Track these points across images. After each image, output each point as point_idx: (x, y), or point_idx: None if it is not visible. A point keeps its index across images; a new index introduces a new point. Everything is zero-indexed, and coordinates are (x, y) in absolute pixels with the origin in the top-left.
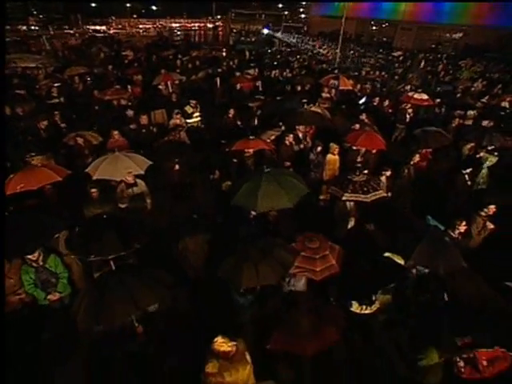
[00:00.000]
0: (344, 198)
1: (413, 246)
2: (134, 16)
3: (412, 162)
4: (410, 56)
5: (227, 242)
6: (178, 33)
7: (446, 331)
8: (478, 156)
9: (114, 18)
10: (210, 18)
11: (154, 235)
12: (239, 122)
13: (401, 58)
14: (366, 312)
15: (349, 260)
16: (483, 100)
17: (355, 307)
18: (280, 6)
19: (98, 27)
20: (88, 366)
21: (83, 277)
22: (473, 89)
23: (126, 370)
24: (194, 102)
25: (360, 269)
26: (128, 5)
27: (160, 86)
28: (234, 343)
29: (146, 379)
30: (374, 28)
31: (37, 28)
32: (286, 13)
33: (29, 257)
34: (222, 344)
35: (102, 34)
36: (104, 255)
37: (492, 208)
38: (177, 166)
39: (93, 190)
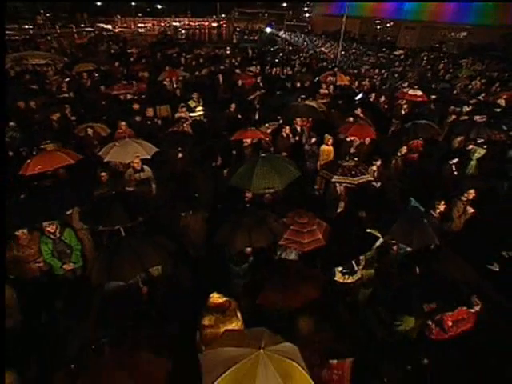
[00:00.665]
0: (333, 180)
1: (391, 223)
2: (139, 15)
3: (399, 154)
4: (412, 55)
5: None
6: (182, 31)
7: (415, 299)
8: (467, 148)
9: (119, 16)
10: (214, 16)
11: (157, 214)
12: (240, 116)
13: (402, 57)
14: (349, 281)
15: (336, 236)
16: (479, 97)
17: (338, 276)
18: (284, 4)
19: (103, 25)
20: (98, 323)
21: (94, 251)
22: (470, 86)
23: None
24: (196, 95)
25: (344, 242)
26: (133, 3)
27: (165, 82)
28: (227, 298)
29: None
30: (378, 27)
31: (44, 27)
32: (291, 12)
33: (47, 229)
34: (216, 298)
35: (108, 33)
36: (112, 225)
37: (471, 193)
38: (180, 155)
39: (102, 174)
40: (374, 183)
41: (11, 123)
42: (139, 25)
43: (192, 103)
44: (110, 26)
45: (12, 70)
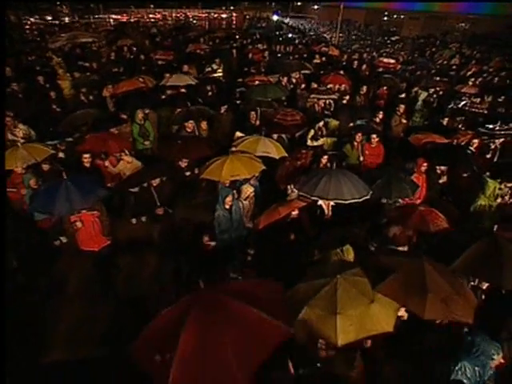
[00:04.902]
0: (312, 96)
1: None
2: (151, 6)
3: (361, 92)
4: (410, 41)
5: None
6: (194, 21)
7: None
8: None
9: (132, 7)
10: (223, 8)
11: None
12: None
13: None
14: (315, 144)
15: None
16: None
17: (309, 142)
18: None
19: (119, 16)
20: None
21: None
22: (452, 63)
23: None
24: (218, 61)
25: None
26: None
27: None
28: None
29: None
30: (385, 18)
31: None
32: (299, 4)
33: (139, 116)
34: (239, 134)
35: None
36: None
37: (402, 107)
38: (210, 94)
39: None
40: None
41: (87, 73)
42: (151, 15)
43: (214, 66)
44: (125, 17)
45: (65, 46)
